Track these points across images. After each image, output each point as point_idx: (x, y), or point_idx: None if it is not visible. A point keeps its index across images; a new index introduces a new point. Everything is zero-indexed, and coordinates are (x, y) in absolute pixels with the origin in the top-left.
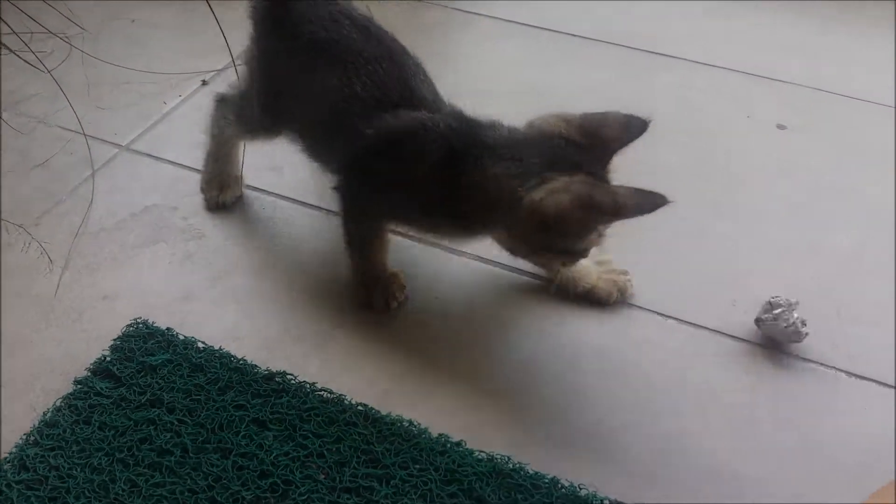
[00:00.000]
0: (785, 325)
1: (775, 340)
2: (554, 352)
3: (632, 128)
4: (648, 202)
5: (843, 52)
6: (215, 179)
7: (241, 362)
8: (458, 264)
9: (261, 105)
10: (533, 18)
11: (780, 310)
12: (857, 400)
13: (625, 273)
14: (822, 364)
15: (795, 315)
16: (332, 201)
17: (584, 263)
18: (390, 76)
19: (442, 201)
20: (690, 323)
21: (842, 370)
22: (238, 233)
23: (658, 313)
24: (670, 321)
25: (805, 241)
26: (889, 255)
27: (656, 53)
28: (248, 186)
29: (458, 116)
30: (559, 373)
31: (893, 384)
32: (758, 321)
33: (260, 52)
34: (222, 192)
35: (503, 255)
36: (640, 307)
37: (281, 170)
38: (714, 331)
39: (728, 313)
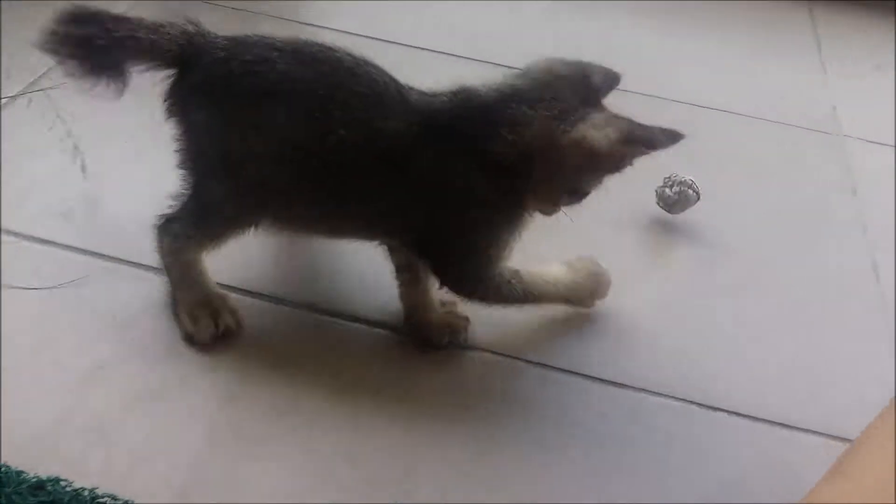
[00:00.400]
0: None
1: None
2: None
3: (610, 79)
4: (670, 137)
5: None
6: (202, 308)
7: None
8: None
9: (227, 198)
10: (368, 28)
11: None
12: None
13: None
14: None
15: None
16: None
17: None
18: (366, 89)
19: (492, 178)
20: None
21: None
22: None
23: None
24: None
25: None
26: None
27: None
28: None
29: (460, 90)
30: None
31: None
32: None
33: (200, 138)
34: (219, 317)
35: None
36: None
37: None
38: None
39: None
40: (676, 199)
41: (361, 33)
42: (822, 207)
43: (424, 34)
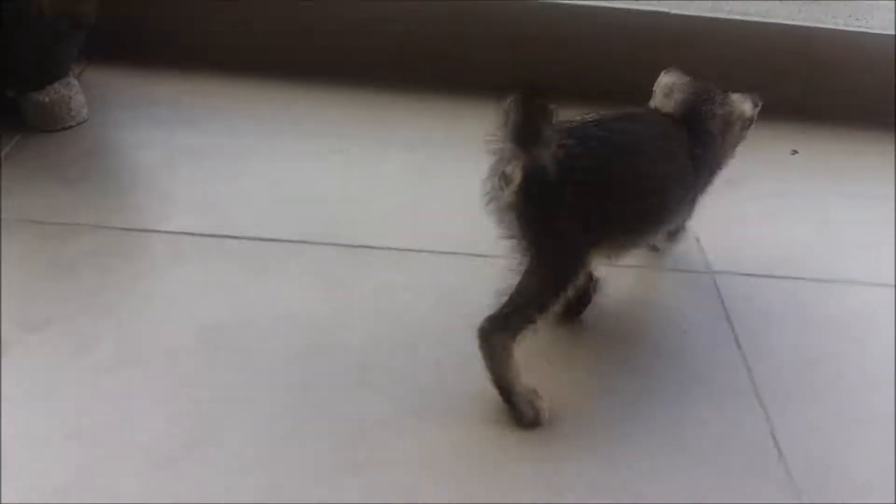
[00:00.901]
0: None
1: None
2: None
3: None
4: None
5: None
6: (529, 401)
7: None
8: None
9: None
10: (213, 226)
11: None
12: None
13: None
14: None
15: None
16: None
17: None
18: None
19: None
20: None
21: None
22: None
23: None
24: None
25: None
26: None
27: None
28: None
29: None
30: None
31: None
32: None
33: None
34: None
35: None
36: None
37: None
38: None
39: None
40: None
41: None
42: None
43: (267, 224)
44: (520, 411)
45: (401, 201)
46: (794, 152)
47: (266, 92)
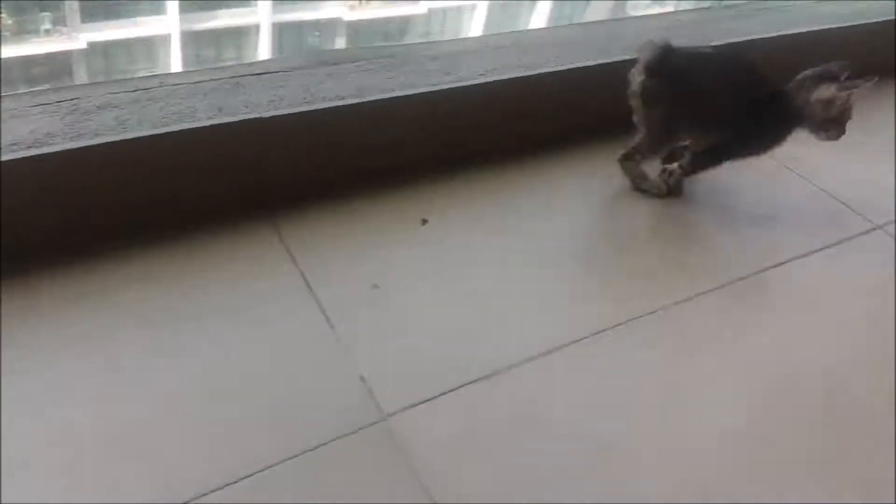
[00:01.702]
0: None
1: None
2: None
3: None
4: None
5: None
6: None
7: None
8: None
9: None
10: None
11: None
12: None
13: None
14: None
15: None
16: None
17: None
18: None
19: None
20: None
21: None
22: None
23: None
24: None
25: None
26: None
27: None
28: None
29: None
30: None
31: None
32: None
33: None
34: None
35: None
36: None
37: None
38: None
39: None
40: None
41: None
42: None
43: None
44: (654, 187)
45: None
46: (425, 222)
47: None
